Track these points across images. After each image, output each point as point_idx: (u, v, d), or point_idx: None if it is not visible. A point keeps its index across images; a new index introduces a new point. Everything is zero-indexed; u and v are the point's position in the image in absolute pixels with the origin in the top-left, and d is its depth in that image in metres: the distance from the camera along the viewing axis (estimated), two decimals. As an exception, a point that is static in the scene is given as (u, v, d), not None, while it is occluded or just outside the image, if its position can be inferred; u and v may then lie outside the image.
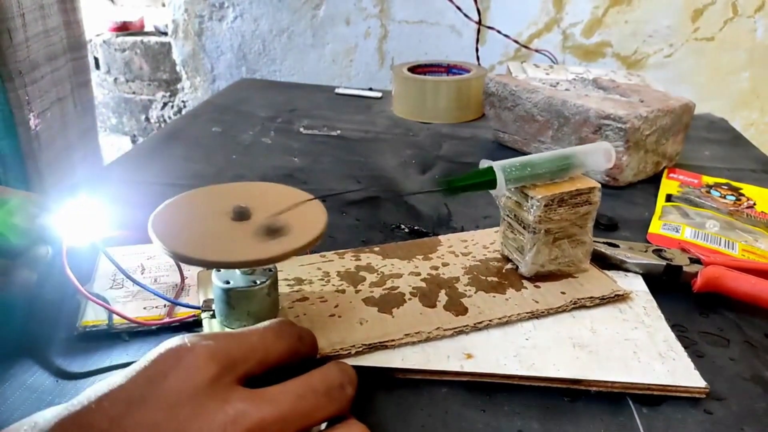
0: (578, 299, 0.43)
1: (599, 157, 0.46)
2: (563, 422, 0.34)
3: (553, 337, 0.40)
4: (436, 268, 0.46)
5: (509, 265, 0.47)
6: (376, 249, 0.49)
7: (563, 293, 0.44)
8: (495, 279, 0.45)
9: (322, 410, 0.29)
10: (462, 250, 0.50)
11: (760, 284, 0.44)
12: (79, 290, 0.37)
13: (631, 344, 0.39)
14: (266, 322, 0.32)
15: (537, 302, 0.43)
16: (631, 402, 0.36)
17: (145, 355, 0.28)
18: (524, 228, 0.44)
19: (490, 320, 0.41)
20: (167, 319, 0.40)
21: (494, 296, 0.43)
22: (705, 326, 0.43)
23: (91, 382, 0.36)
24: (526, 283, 0.45)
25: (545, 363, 0.37)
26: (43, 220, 0.40)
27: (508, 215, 0.46)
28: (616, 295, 0.44)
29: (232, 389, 0.27)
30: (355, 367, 0.32)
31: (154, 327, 0.40)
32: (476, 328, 0.40)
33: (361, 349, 0.37)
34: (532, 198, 0.42)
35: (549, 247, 0.44)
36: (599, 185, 0.44)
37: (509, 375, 0.36)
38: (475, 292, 0.44)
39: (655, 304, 0.43)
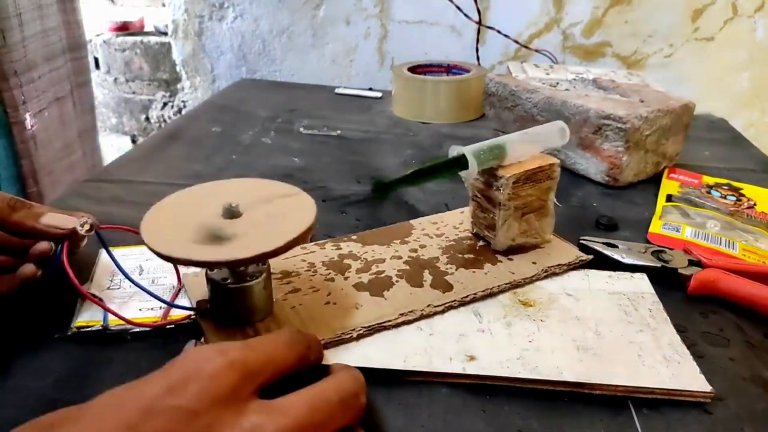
0: (549, 267, 0.47)
1: (554, 135, 0.50)
2: (563, 422, 0.34)
3: (557, 340, 0.39)
4: (415, 251, 0.49)
5: (481, 242, 0.50)
6: (354, 237, 0.51)
7: (534, 263, 0.47)
8: (471, 256, 0.48)
9: (336, 420, 0.29)
10: (435, 231, 0.52)
11: (756, 288, 0.44)
12: (78, 287, 0.37)
13: (635, 347, 0.39)
14: (277, 331, 0.32)
15: (513, 273, 0.46)
16: (631, 402, 0.36)
17: (165, 363, 0.28)
18: (494, 206, 0.47)
19: (475, 294, 0.43)
20: (162, 321, 0.40)
21: (474, 272, 0.46)
22: (705, 326, 0.43)
23: (90, 382, 0.36)
24: (499, 257, 0.48)
25: (549, 366, 0.37)
26: (47, 219, 0.40)
27: (476, 196, 0.50)
28: (580, 261, 0.48)
29: (248, 401, 0.27)
30: (358, 368, 0.32)
31: (148, 329, 0.40)
32: (464, 302, 0.43)
33: (362, 332, 0.39)
34: (501, 177, 0.46)
35: (518, 222, 0.48)
36: (558, 161, 0.48)
37: (512, 378, 0.36)
38: (456, 270, 0.46)
39: (661, 306, 0.43)
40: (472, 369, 0.37)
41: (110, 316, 0.40)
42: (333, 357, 0.37)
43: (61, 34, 0.74)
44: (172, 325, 0.40)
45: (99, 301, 0.39)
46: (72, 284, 0.37)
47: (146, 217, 0.37)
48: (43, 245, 0.41)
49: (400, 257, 0.48)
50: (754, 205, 0.62)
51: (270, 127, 0.84)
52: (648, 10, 1.10)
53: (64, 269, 0.37)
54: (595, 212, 0.59)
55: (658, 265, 0.47)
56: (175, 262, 0.34)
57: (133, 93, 1.41)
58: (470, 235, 0.52)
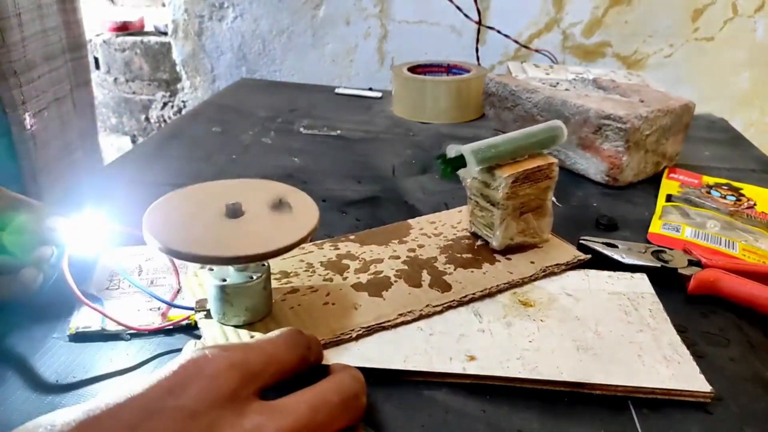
0: (547, 267, 0.47)
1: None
2: (563, 422, 0.34)
3: (557, 340, 0.39)
4: (413, 251, 0.49)
5: (479, 242, 0.50)
6: (352, 237, 0.51)
7: (532, 263, 0.47)
8: (469, 255, 0.48)
9: (337, 421, 0.29)
10: (433, 231, 0.52)
11: (756, 288, 0.44)
12: (76, 295, 0.37)
13: (635, 347, 0.39)
14: (277, 332, 0.32)
15: (511, 273, 0.46)
16: (631, 402, 0.36)
17: (166, 364, 0.28)
18: (492, 205, 0.47)
19: (473, 293, 0.43)
20: (160, 324, 0.40)
21: (472, 271, 0.46)
22: (705, 326, 0.43)
23: (90, 382, 0.36)
24: (497, 256, 0.48)
25: (548, 366, 0.37)
26: (50, 223, 0.40)
27: (474, 195, 0.50)
28: (578, 260, 0.48)
29: (249, 401, 0.27)
30: (358, 368, 0.32)
31: (146, 332, 0.40)
32: (462, 302, 0.43)
33: (361, 332, 0.39)
34: (499, 177, 0.46)
35: (516, 221, 0.48)
36: (557, 161, 0.48)
37: (512, 378, 0.36)
38: (455, 269, 0.46)
39: (661, 306, 0.43)
40: (472, 369, 0.37)
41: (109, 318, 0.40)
42: (332, 357, 0.37)
43: (61, 34, 0.74)
44: (171, 326, 0.40)
45: (97, 307, 0.39)
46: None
47: (147, 213, 0.37)
48: (44, 250, 0.41)
49: (398, 257, 0.48)
50: (754, 205, 0.62)
51: (270, 127, 0.84)
52: (648, 10, 1.10)
53: (63, 276, 0.37)
54: (595, 212, 0.59)
55: (658, 265, 0.47)
56: (177, 257, 0.34)
57: (133, 93, 1.41)
58: (468, 234, 0.52)
